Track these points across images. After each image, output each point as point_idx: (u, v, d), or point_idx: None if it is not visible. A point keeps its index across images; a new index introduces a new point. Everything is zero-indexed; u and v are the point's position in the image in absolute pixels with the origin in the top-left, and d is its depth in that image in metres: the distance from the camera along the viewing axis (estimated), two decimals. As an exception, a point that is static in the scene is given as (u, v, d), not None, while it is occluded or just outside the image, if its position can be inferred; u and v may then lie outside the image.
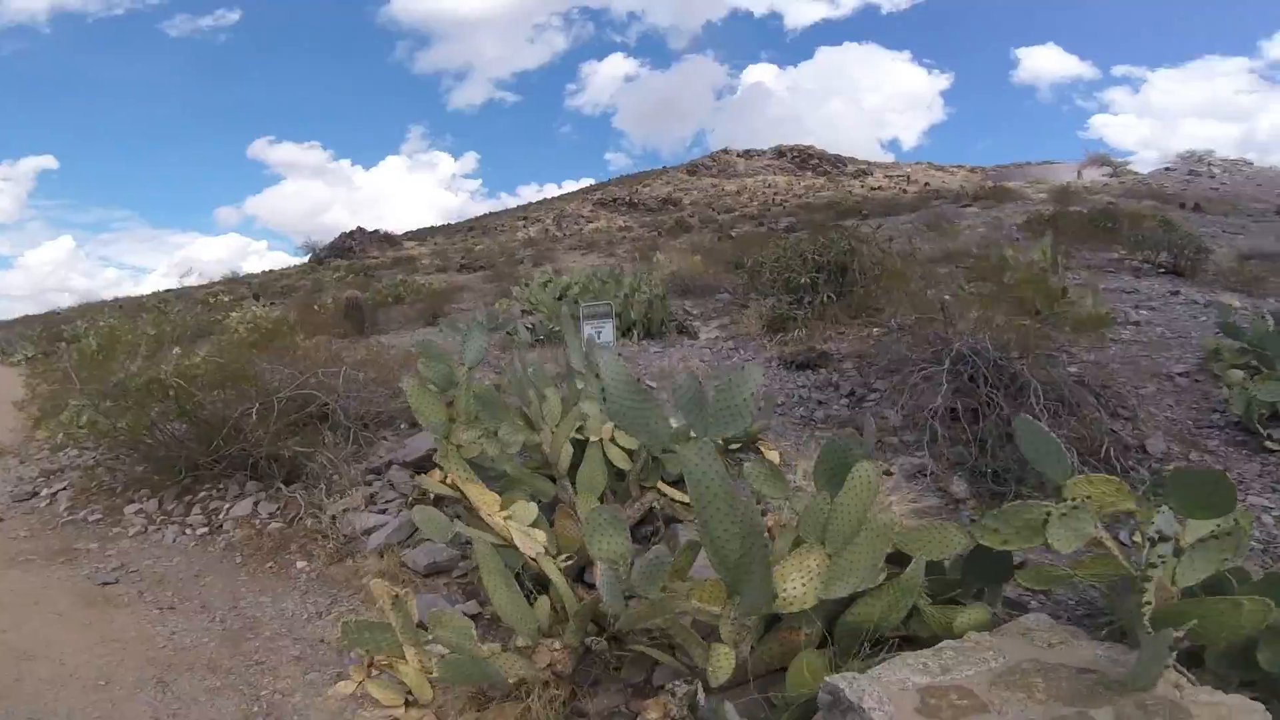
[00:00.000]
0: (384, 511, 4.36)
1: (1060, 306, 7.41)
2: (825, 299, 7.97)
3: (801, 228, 20.92)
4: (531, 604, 2.54)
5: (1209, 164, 37.02)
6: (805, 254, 8.52)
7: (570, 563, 2.93)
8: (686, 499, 3.65)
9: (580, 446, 3.70)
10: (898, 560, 2.27)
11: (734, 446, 4.35)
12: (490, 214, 58.41)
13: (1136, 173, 37.80)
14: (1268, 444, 4.49)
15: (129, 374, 5.28)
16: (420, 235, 47.83)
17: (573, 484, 3.45)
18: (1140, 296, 9.25)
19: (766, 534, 1.96)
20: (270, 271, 36.31)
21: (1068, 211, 18.27)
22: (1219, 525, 2.06)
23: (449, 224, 55.75)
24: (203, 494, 4.85)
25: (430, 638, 2.18)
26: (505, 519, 2.87)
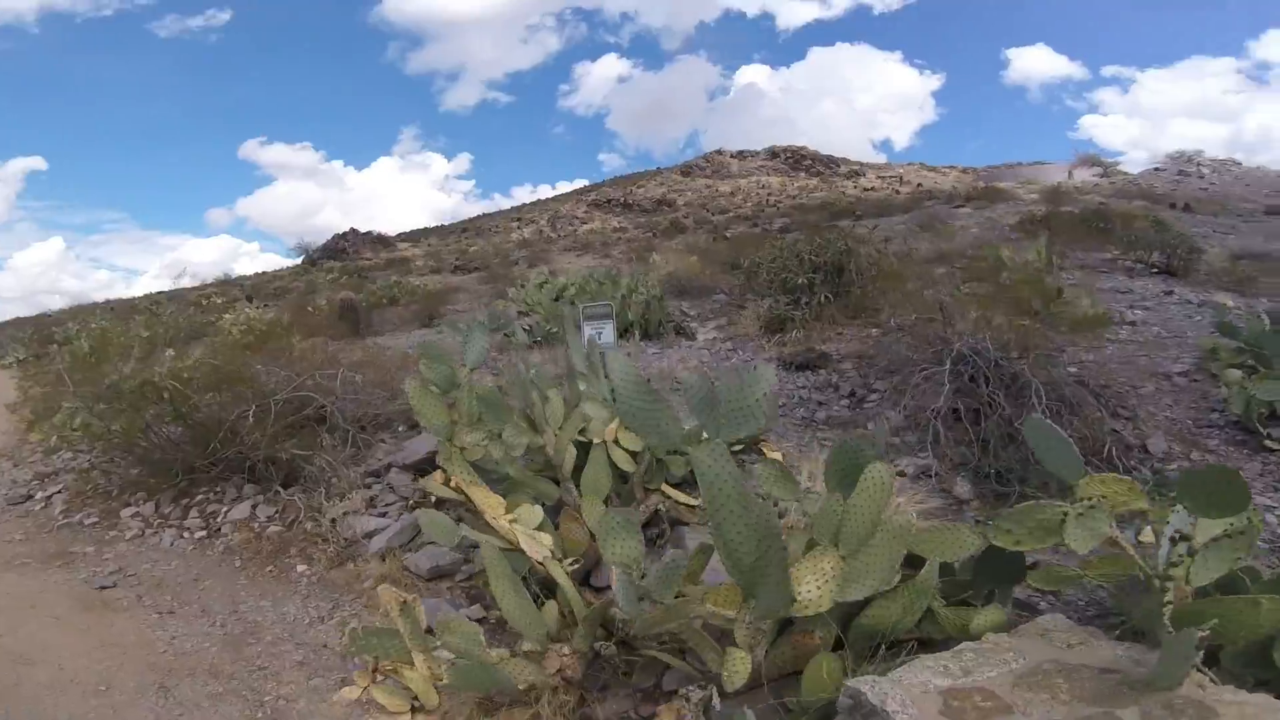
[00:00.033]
0: (384, 515, 4.33)
1: (1056, 306, 7.44)
2: (823, 300, 7.97)
3: (796, 228, 20.96)
4: (538, 608, 2.51)
5: (1198, 164, 37.34)
6: (802, 254, 8.52)
7: (577, 566, 2.91)
8: (692, 501, 3.64)
9: (583, 448, 3.68)
10: (908, 562, 2.26)
11: (736, 448, 4.34)
12: (484, 215, 58.27)
13: (1126, 173, 38.08)
14: (1267, 443, 4.51)
15: (122, 376, 5.22)
16: (414, 236, 47.62)
17: (576, 486, 3.43)
18: (1135, 296, 9.30)
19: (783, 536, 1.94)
20: (263, 273, 36.06)
21: (1060, 212, 18.38)
22: (1232, 524, 2.05)
23: (442, 225, 55.56)
24: (200, 497, 4.80)
25: (438, 644, 2.15)
26: (510, 522, 2.84)
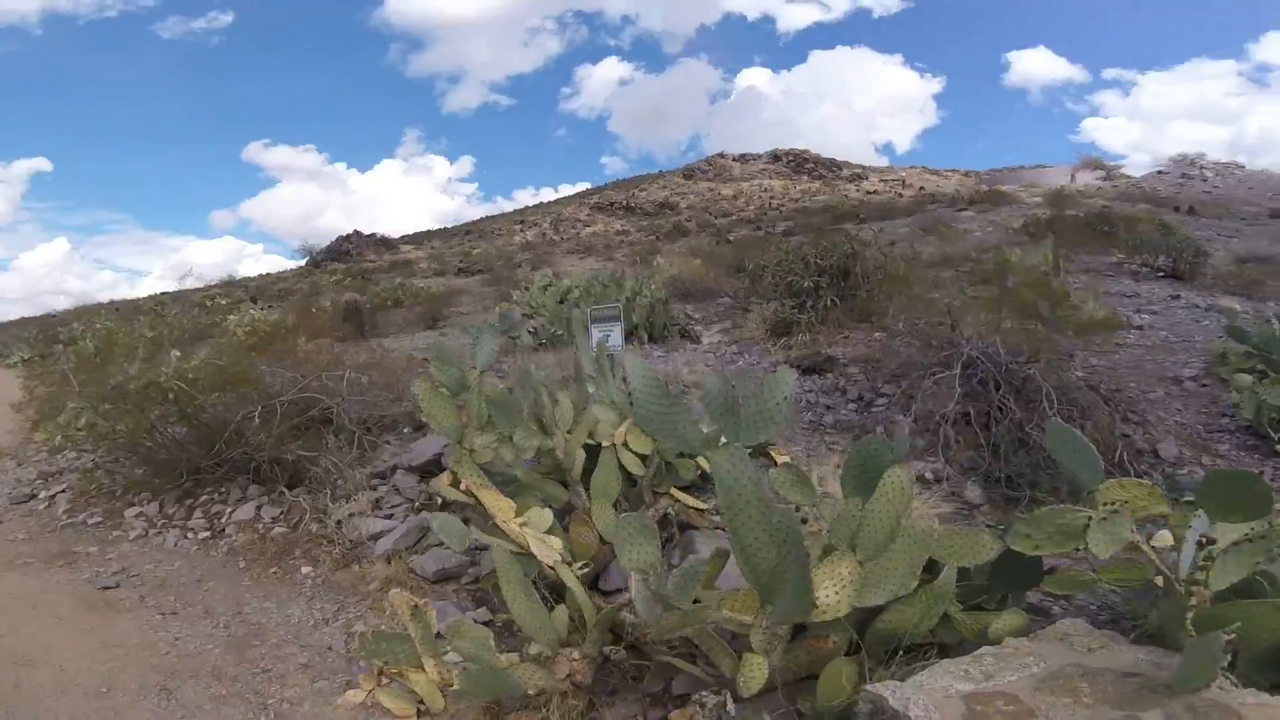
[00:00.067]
0: (390, 516, 4.30)
1: (1064, 310, 7.40)
2: (829, 303, 7.93)
3: (799, 232, 20.96)
4: (548, 612, 2.48)
5: (1201, 167, 37.28)
6: (808, 258, 8.49)
7: (586, 570, 2.88)
8: (700, 505, 3.61)
9: (591, 451, 3.65)
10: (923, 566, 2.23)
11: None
12: (487, 218, 58.35)
13: (1129, 176, 38.00)
14: (1279, 448, 4.48)
15: (128, 376, 5.21)
16: (417, 239, 47.72)
17: (585, 490, 3.40)
18: (1141, 300, 9.25)
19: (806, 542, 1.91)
20: (266, 275, 36.15)
21: (1064, 215, 18.34)
22: (1253, 529, 2.02)
23: (445, 228, 55.65)
24: (204, 497, 4.78)
25: (448, 648, 2.12)
26: (521, 526, 2.82)
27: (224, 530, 4.39)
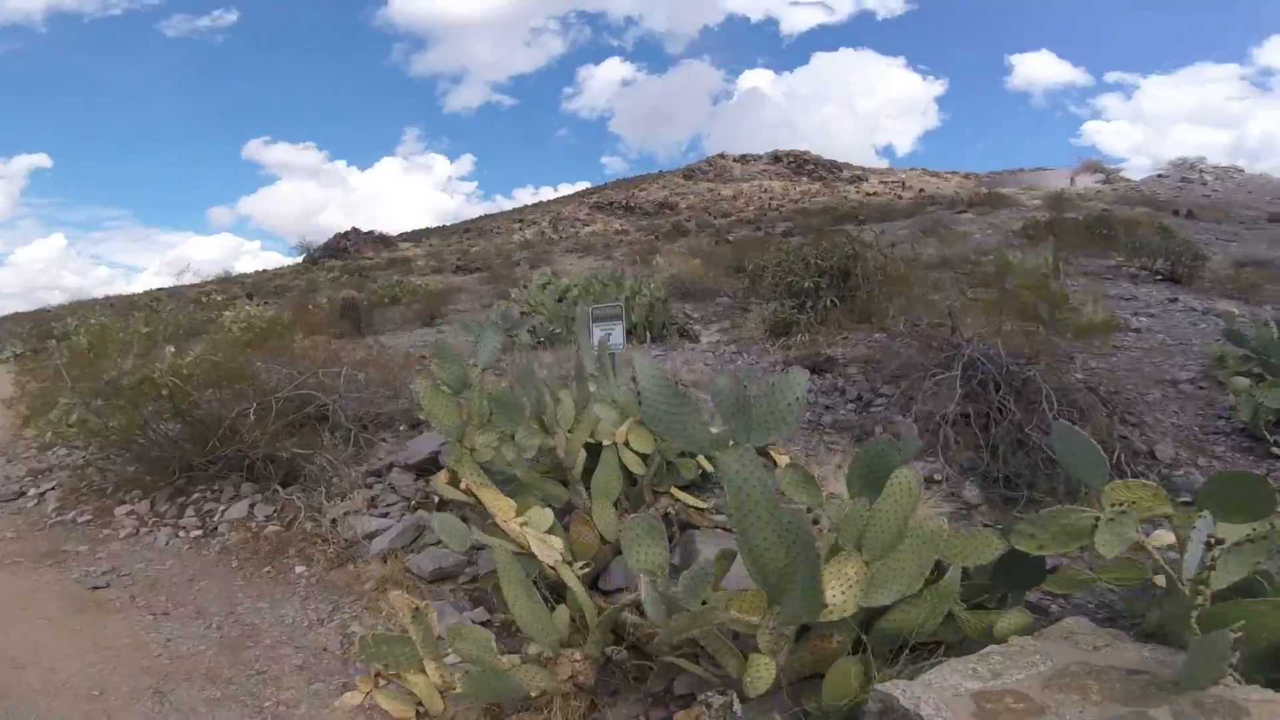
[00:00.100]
0: (385, 515, 4.26)
1: (1063, 313, 7.40)
2: (829, 304, 7.92)
3: (798, 233, 20.96)
4: (550, 613, 2.45)
5: (1201, 171, 37.37)
6: (808, 258, 8.47)
7: (587, 570, 2.85)
8: (701, 504, 3.58)
9: (591, 450, 3.62)
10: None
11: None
12: (486, 216, 58.24)
13: (1129, 179, 38.06)
14: (1274, 449, 4.48)
15: (121, 372, 5.16)
16: (415, 237, 47.61)
17: (585, 489, 3.37)
18: (1139, 303, 9.27)
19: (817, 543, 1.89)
20: (263, 271, 35.99)
21: (1064, 218, 18.37)
22: (1255, 529, 2.01)
23: (444, 226, 55.53)
24: (196, 495, 4.73)
25: (449, 650, 2.09)
26: (521, 525, 2.78)
27: (216, 529, 4.35)
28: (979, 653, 1.81)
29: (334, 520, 4.19)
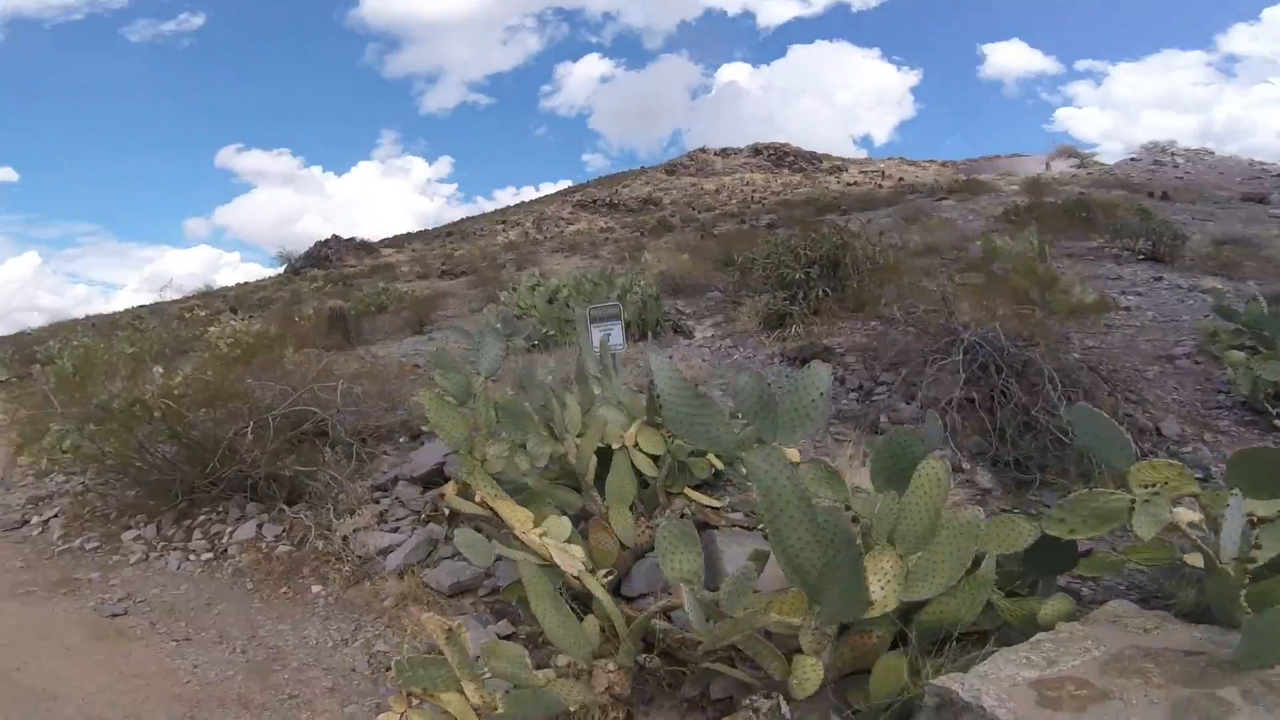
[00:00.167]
0: (396, 530, 4.22)
1: (1053, 294, 7.49)
2: (821, 294, 7.95)
3: (782, 224, 21.02)
4: (580, 625, 2.44)
5: (1172, 154, 37.91)
6: (797, 249, 8.50)
7: (610, 578, 2.84)
8: (716, 503, 3.59)
9: (600, 454, 3.60)
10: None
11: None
12: (468, 218, 57.76)
13: (1103, 164, 38.53)
14: (1277, 422, 4.56)
15: (111, 395, 5.08)
16: (397, 242, 47.14)
17: (598, 493, 3.36)
18: (1125, 283, 9.41)
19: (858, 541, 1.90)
20: (245, 283, 35.44)
21: (1043, 202, 18.57)
22: (1284, 505, 2.05)
23: (426, 229, 55.01)
24: (202, 517, 4.67)
25: (485, 669, 2.08)
26: (540, 536, 2.77)
27: (226, 551, 4.29)
28: (1030, 641, 1.83)
29: (345, 537, 4.15)
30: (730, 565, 2.63)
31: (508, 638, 3.01)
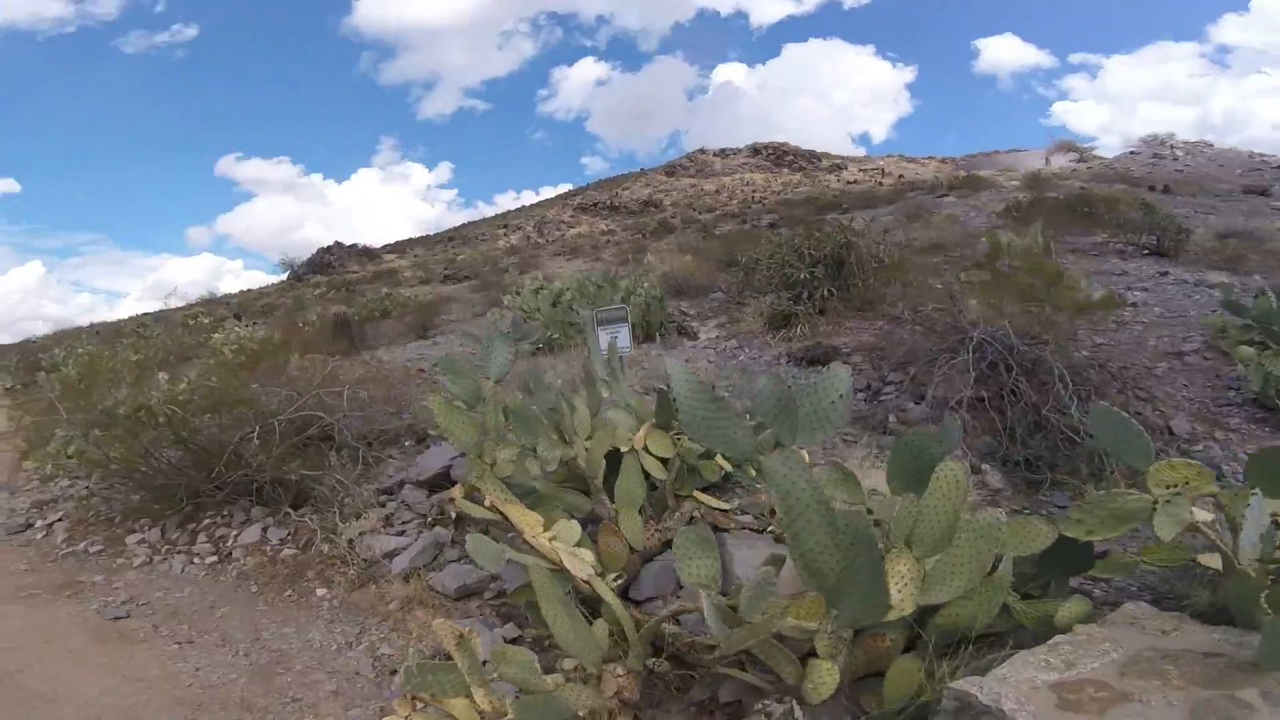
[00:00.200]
0: (402, 533, 4.20)
1: (1059, 292, 7.45)
2: (826, 293, 7.92)
3: (784, 224, 20.98)
4: (590, 630, 2.41)
5: (1171, 147, 37.76)
6: (801, 249, 8.47)
7: (620, 582, 2.81)
8: (725, 505, 3.55)
9: (609, 457, 3.57)
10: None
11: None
12: (469, 223, 57.85)
13: (1102, 157, 38.40)
14: (1289, 419, 4.51)
15: (116, 401, 5.08)
16: (399, 247, 47.22)
17: (607, 497, 3.33)
18: (1131, 278, 9.35)
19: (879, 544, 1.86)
20: (248, 290, 35.54)
21: (1044, 198, 18.48)
22: (1304, 506, 2.01)
23: (428, 235, 55.12)
24: (207, 521, 4.66)
25: (495, 675, 2.05)
26: (550, 540, 2.74)
27: (231, 554, 4.28)
28: (1048, 643, 1.80)
29: (351, 541, 4.13)
30: (740, 568, 2.60)
31: (514, 641, 2.99)
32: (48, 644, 3.09)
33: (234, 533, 4.49)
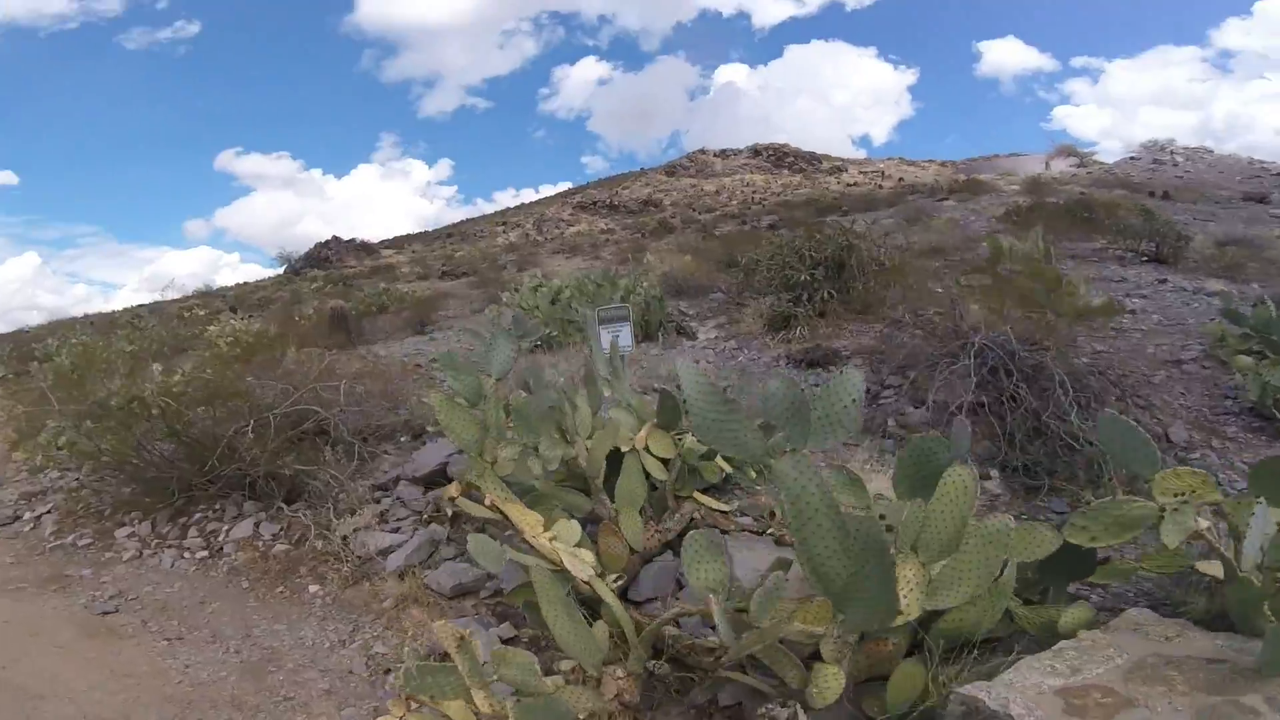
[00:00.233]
0: (397, 530, 4.17)
1: (1058, 298, 7.44)
2: (826, 296, 7.90)
3: (784, 225, 20.96)
4: (591, 632, 2.38)
5: (1172, 152, 37.85)
6: (802, 251, 8.45)
7: (620, 583, 2.78)
8: (724, 507, 3.53)
9: (609, 457, 3.54)
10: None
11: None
12: (468, 220, 57.65)
13: (1102, 162, 38.48)
14: (1287, 429, 4.51)
15: (109, 392, 5.02)
16: (397, 243, 47.07)
17: (607, 496, 3.30)
18: (1130, 285, 9.35)
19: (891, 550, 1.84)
20: (245, 284, 35.28)
21: (1044, 203, 18.50)
22: (1306, 516, 1.99)
23: (426, 231, 54.93)
24: (198, 515, 4.61)
25: (494, 676, 2.02)
26: (550, 540, 2.71)
27: (222, 549, 4.23)
28: (1053, 649, 1.80)
29: (345, 537, 4.09)
30: (740, 571, 2.58)
31: (510, 641, 2.96)
32: (34, 638, 3.04)
33: (226, 527, 4.44)
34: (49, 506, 5.02)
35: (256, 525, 4.42)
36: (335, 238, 40.48)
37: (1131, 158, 38.91)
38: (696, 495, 3.49)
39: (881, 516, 2.23)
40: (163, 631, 3.25)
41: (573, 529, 2.85)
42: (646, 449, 3.40)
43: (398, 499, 4.56)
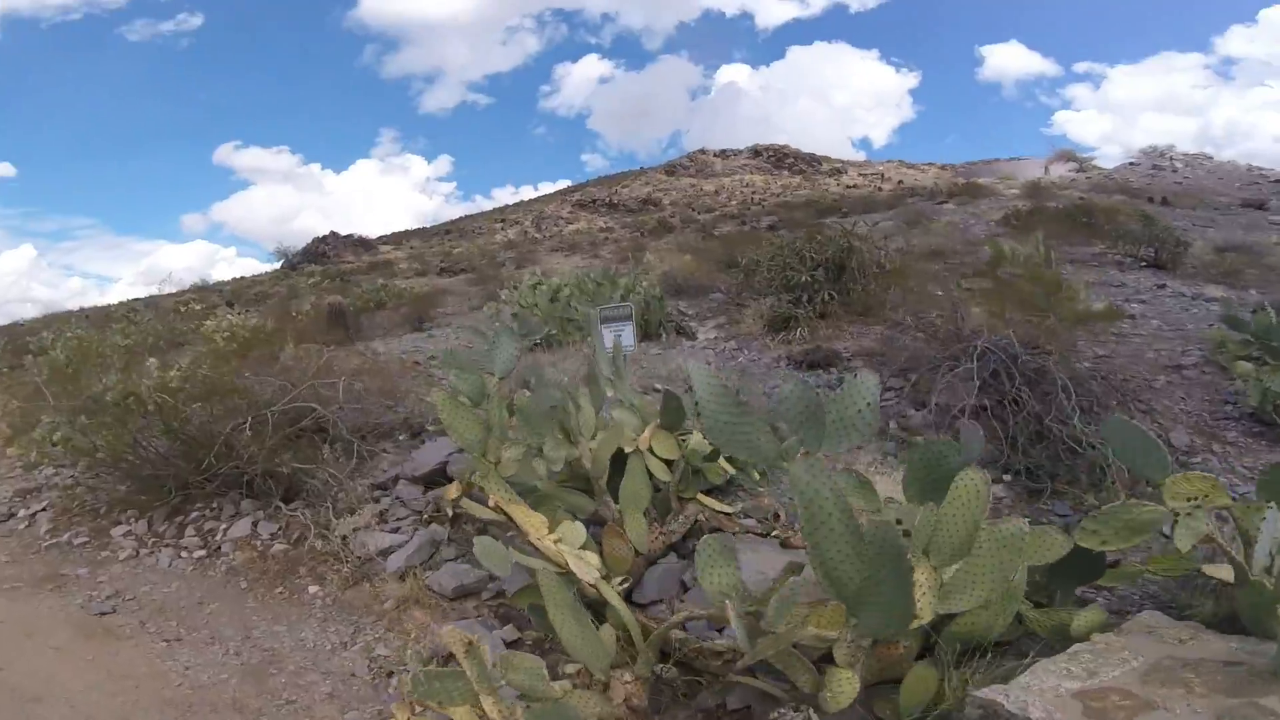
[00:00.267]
0: (397, 530, 4.13)
1: (1058, 302, 7.45)
2: (826, 297, 7.89)
3: (783, 226, 20.97)
4: (598, 635, 2.36)
5: (1171, 158, 37.96)
6: (803, 252, 8.44)
7: (625, 585, 2.76)
8: (729, 509, 3.51)
9: (611, 458, 3.52)
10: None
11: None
12: (467, 216, 57.45)
13: (1102, 168, 38.58)
14: (1288, 435, 4.52)
15: (104, 388, 4.97)
16: (396, 239, 46.89)
17: (610, 497, 3.28)
18: (1129, 290, 9.37)
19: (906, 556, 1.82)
20: (241, 278, 35.07)
21: (1044, 207, 18.54)
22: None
23: (425, 227, 54.73)
24: (195, 514, 4.56)
25: (502, 681, 2.00)
26: (555, 542, 2.69)
27: (220, 548, 4.19)
28: (1068, 652, 1.80)
29: (344, 537, 4.06)
30: (745, 573, 2.55)
31: (513, 643, 2.94)
32: (29, 639, 3.00)
33: (223, 526, 4.40)
34: (44, 504, 4.96)
35: (254, 524, 4.38)
36: (333, 233, 40.31)
37: (1130, 163, 39.01)
38: (700, 497, 3.48)
39: (898, 521, 2.22)
40: (161, 632, 3.22)
41: (578, 531, 2.83)
42: (650, 450, 3.37)
43: (397, 498, 4.52)
